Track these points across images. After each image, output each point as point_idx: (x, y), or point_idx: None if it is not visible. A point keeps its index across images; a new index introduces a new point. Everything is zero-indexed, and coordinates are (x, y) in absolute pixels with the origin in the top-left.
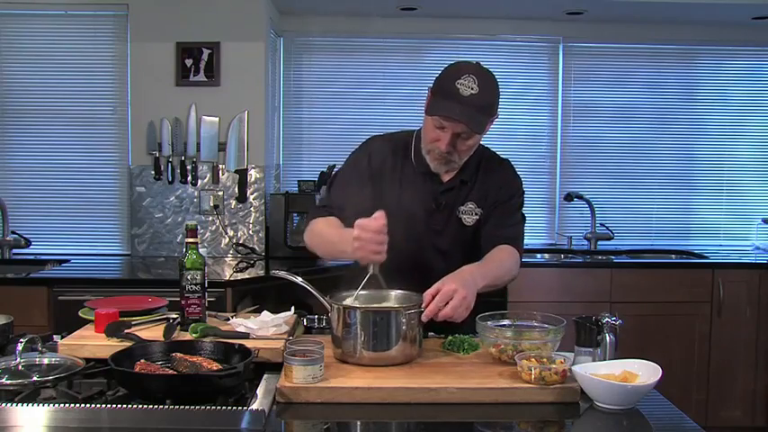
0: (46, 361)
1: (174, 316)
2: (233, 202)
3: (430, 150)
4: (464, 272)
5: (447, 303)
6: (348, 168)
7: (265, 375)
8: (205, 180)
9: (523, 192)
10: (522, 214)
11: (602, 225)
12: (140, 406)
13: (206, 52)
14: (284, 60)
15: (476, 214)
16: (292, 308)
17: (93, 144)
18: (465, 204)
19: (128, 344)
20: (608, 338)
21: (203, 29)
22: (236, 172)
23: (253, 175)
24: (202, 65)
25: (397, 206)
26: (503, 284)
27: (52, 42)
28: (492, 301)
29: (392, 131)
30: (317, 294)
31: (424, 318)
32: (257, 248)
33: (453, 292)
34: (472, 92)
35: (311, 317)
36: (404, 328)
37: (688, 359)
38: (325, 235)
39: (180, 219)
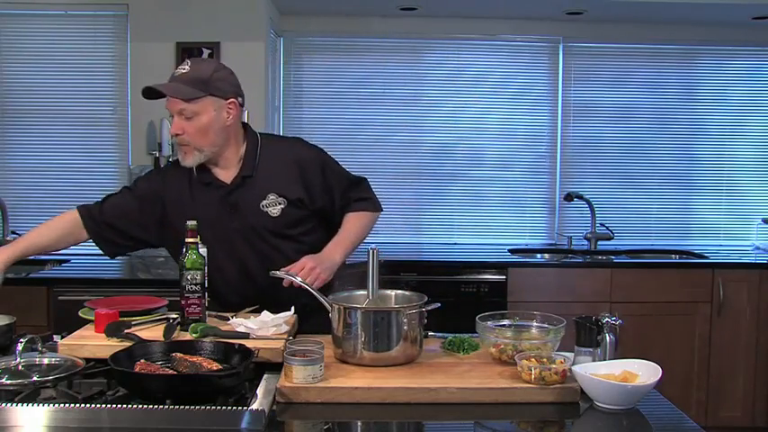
0: (46, 361)
1: (174, 316)
2: None
3: (174, 145)
4: (322, 252)
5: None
6: (136, 181)
7: (265, 375)
8: None
9: (325, 152)
10: (341, 169)
11: (602, 225)
12: (140, 406)
13: (206, 52)
14: (284, 60)
15: (280, 203)
16: (292, 308)
17: (93, 144)
18: (266, 198)
19: (128, 344)
20: (608, 338)
21: (203, 29)
22: None
23: None
24: None
25: (200, 225)
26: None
27: (52, 42)
28: (492, 301)
29: (169, 163)
30: (317, 294)
31: (284, 284)
32: None
33: (310, 268)
34: (183, 71)
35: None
36: (405, 328)
37: (688, 359)
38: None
39: None
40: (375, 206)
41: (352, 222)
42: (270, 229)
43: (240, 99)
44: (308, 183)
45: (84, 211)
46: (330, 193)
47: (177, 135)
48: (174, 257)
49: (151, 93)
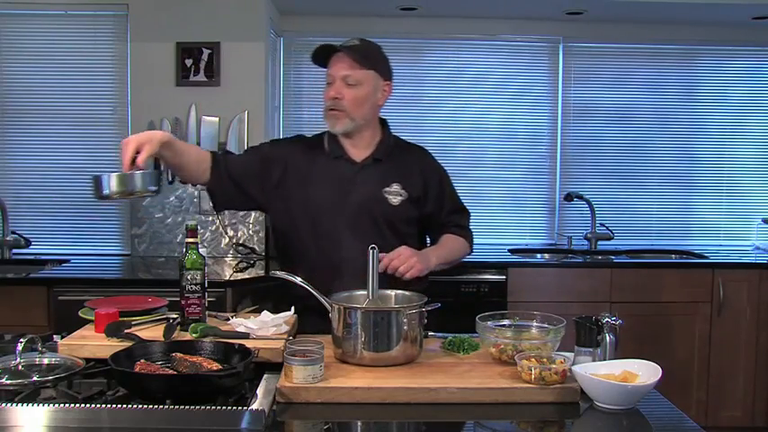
0: (46, 361)
1: (174, 316)
2: None
3: (325, 110)
4: (424, 250)
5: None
6: (266, 143)
7: (265, 375)
8: None
9: (446, 172)
10: (455, 191)
11: (602, 225)
12: (140, 406)
13: (206, 52)
14: (284, 60)
15: (401, 195)
16: (292, 308)
17: (93, 144)
18: (390, 186)
19: (128, 344)
20: (608, 338)
21: (203, 29)
22: None
23: None
24: (202, 65)
25: (314, 189)
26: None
27: (52, 42)
28: (492, 301)
29: (302, 135)
30: (317, 294)
31: (380, 268)
32: (257, 248)
33: (408, 255)
34: (354, 43)
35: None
36: (405, 328)
37: (688, 359)
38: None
39: (180, 219)
40: (470, 241)
41: (452, 241)
42: (385, 216)
43: (392, 85)
44: (427, 187)
45: (213, 155)
46: (440, 206)
47: (335, 99)
48: (273, 225)
49: (319, 55)
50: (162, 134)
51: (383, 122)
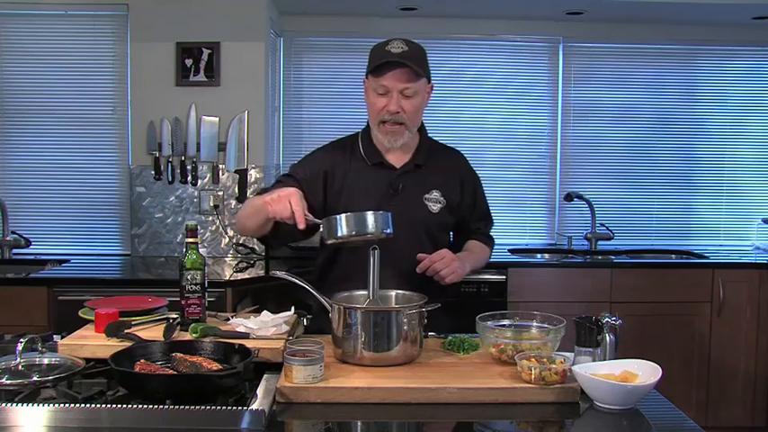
0: (46, 361)
1: (174, 316)
2: (233, 202)
3: (379, 123)
4: (459, 255)
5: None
6: (298, 165)
7: (265, 375)
8: (205, 180)
9: (479, 177)
10: (485, 199)
11: (602, 225)
12: (140, 406)
13: (206, 52)
14: (284, 60)
15: (440, 203)
16: (292, 308)
17: (93, 144)
18: (430, 193)
19: (128, 344)
20: (608, 338)
21: (203, 29)
22: (236, 172)
23: (253, 175)
24: (202, 65)
25: (355, 197)
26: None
27: (52, 42)
28: (492, 301)
29: (332, 141)
30: (317, 294)
31: (419, 268)
32: (257, 248)
33: (451, 259)
34: (403, 49)
35: (311, 317)
36: (405, 328)
37: (688, 359)
38: (252, 202)
39: (180, 219)
40: (491, 250)
41: (479, 248)
42: (425, 222)
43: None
44: (463, 193)
45: None
46: (471, 212)
47: (396, 113)
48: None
49: (382, 66)
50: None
51: (420, 125)
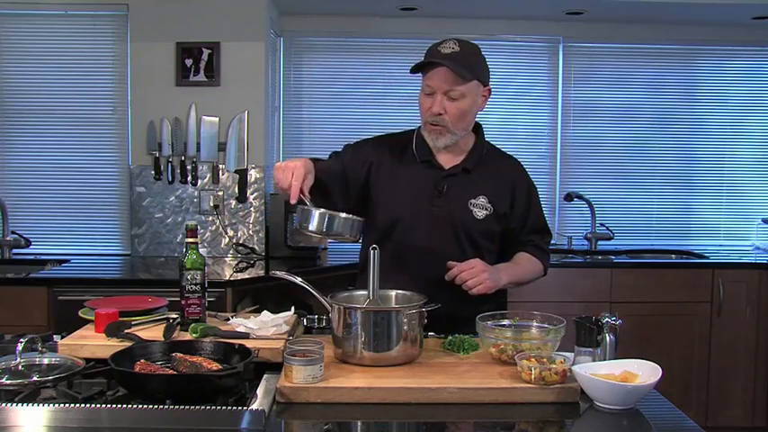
0: (46, 361)
1: (174, 316)
2: (233, 202)
3: (426, 123)
4: (496, 266)
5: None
6: (350, 147)
7: (265, 375)
8: (205, 180)
9: (536, 188)
10: (542, 210)
11: (602, 225)
12: (140, 406)
13: (206, 52)
14: (284, 60)
15: (487, 210)
16: (292, 308)
17: (93, 144)
18: (477, 198)
19: (128, 344)
20: (608, 338)
21: (203, 29)
22: (236, 172)
23: (253, 175)
24: (202, 65)
25: (398, 192)
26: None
27: (52, 42)
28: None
29: (392, 132)
30: (317, 294)
31: (448, 276)
32: (257, 248)
33: (480, 270)
34: (453, 50)
35: (311, 317)
36: (405, 328)
37: (688, 359)
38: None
39: (180, 219)
40: (546, 266)
41: (526, 261)
42: (468, 228)
43: (491, 88)
44: (514, 202)
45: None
46: (523, 223)
47: (438, 114)
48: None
49: (426, 65)
50: (311, 165)
51: (477, 127)
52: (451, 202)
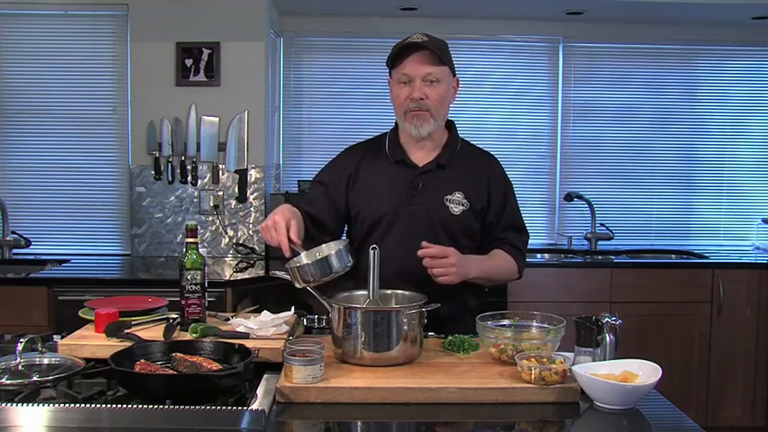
0: (46, 361)
1: (174, 316)
2: (233, 202)
3: (406, 112)
4: (467, 256)
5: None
6: (324, 169)
7: (265, 375)
8: (205, 180)
9: (511, 182)
10: (518, 208)
11: (602, 225)
12: (140, 406)
13: (206, 52)
14: (284, 60)
15: (463, 205)
16: (292, 308)
17: (93, 144)
18: (452, 194)
19: (128, 344)
20: (608, 338)
21: (203, 29)
22: (236, 172)
23: (253, 175)
24: (202, 65)
25: (376, 194)
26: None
27: (52, 42)
28: (492, 301)
29: (365, 140)
30: (317, 294)
31: (420, 253)
32: (257, 248)
33: (450, 263)
34: (423, 39)
35: (311, 317)
36: (405, 328)
37: (688, 359)
38: None
39: (180, 219)
40: (520, 266)
41: (500, 258)
42: (446, 225)
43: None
44: (490, 198)
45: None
46: (498, 219)
47: (420, 99)
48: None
49: (399, 54)
50: (291, 209)
51: (450, 124)
52: (427, 198)
